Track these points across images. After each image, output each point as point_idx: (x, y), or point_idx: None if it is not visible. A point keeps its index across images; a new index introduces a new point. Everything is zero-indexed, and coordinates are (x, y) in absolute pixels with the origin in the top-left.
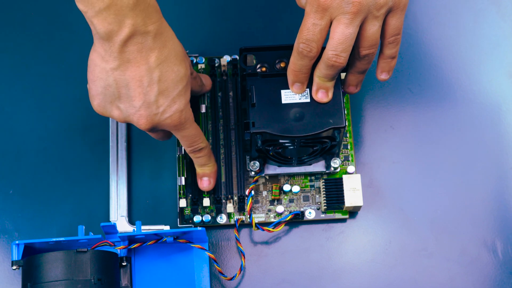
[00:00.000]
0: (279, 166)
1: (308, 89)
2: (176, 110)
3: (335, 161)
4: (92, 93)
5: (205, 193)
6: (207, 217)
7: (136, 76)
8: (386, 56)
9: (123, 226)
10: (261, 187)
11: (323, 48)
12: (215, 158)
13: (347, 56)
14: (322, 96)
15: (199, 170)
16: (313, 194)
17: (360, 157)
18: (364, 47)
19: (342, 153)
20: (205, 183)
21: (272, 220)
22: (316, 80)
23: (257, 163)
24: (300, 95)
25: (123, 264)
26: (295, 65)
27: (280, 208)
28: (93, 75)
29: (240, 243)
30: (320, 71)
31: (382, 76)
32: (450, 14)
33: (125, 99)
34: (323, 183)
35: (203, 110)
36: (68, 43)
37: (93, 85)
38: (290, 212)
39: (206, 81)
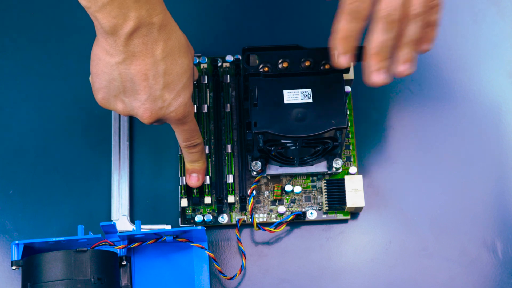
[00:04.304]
0: (281, 166)
1: (310, 89)
2: (181, 104)
3: (337, 161)
4: (96, 86)
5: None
6: (208, 217)
7: (141, 70)
8: (427, 23)
9: (125, 225)
10: (263, 187)
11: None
12: (217, 157)
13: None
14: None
15: (189, 165)
16: (314, 195)
17: (360, 157)
18: None
19: (344, 153)
20: (193, 180)
21: (274, 220)
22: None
23: (259, 163)
24: (302, 95)
25: (123, 263)
26: (344, 30)
27: (281, 209)
28: (96, 69)
29: (241, 243)
30: (374, 40)
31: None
32: (450, 14)
33: (130, 93)
34: (325, 184)
35: (205, 110)
36: (68, 43)
37: (97, 79)
38: (291, 213)
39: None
